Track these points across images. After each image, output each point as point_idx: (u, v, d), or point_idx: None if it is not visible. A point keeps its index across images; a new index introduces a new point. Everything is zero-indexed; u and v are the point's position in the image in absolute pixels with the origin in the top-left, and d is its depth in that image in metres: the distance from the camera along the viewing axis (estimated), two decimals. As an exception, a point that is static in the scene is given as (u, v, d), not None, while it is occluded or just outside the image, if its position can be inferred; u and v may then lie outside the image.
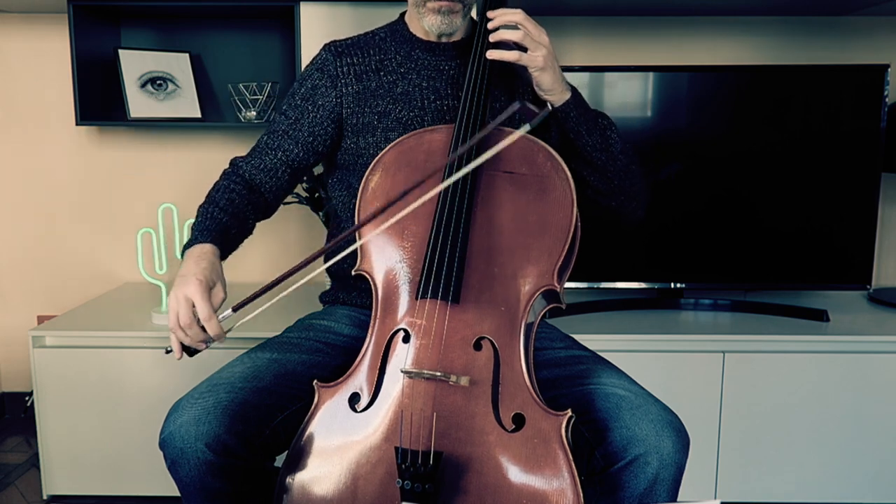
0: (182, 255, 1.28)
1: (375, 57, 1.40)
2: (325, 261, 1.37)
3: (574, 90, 1.35)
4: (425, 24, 1.36)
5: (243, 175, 1.41)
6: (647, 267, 2.23)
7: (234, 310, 1.18)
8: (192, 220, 1.36)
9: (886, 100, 2.09)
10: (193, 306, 1.15)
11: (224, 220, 1.33)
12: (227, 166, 1.46)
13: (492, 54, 1.28)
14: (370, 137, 1.37)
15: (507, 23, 1.27)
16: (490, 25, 1.29)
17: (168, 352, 1.21)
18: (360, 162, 1.39)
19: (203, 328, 1.16)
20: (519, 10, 1.28)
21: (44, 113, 2.45)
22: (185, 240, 1.31)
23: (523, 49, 1.28)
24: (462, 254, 1.18)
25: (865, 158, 2.13)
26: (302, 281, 1.17)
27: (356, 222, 1.24)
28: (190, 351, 1.20)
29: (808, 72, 2.17)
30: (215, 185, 1.41)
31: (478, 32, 1.33)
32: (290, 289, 1.18)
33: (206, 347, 1.19)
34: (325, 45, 1.44)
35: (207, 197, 1.39)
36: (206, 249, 1.25)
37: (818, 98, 2.14)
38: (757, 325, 2.07)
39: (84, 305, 2.25)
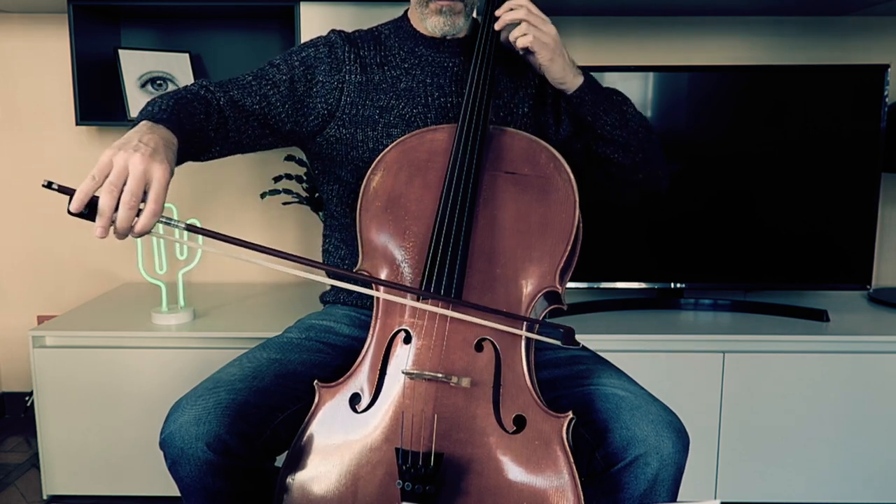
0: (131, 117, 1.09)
1: (379, 52, 1.40)
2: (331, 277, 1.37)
3: (586, 74, 1.35)
4: (428, 26, 1.36)
5: (212, 102, 1.26)
6: (647, 267, 2.22)
7: (188, 228, 1.03)
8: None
9: (886, 100, 2.09)
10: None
11: (196, 117, 1.18)
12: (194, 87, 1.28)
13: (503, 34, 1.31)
14: (370, 131, 1.35)
15: (513, 20, 1.29)
16: (497, 25, 1.31)
17: (50, 185, 0.99)
18: (352, 154, 1.36)
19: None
20: (523, 1, 1.30)
21: (44, 113, 2.45)
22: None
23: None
24: (464, 254, 1.17)
25: (865, 159, 2.13)
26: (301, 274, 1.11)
27: (357, 221, 1.24)
28: (86, 214, 0.98)
29: (807, 72, 2.17)
30: (183, 90, 1.25)
31: (481, 30, 1.33)
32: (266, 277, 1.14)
33: (113, 235, 1.00)
34: (333, 30, 1.41)
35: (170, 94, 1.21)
36: (170, 138, 1.08)
37: (818, 98, 2.14)
38: (757, 325, 2.07)
39: (84, 305, 2.25)
